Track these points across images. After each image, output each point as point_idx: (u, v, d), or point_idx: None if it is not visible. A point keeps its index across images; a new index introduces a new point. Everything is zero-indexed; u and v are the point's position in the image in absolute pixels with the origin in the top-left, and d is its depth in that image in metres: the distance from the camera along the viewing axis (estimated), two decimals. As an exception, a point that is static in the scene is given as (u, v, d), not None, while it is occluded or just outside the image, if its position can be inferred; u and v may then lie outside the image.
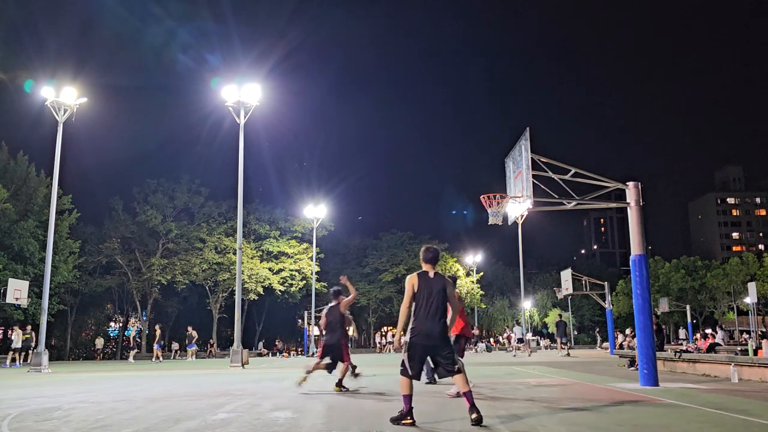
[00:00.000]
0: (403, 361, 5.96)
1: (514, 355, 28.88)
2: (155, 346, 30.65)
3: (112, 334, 52.54)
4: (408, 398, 5.92)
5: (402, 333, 6.07)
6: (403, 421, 5.92)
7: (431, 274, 6.09)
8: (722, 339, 23.32)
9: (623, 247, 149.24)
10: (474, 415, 5.75)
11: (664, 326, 25.19)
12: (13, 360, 25.36)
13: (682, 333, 48.46)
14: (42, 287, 22.69)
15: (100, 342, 40.16)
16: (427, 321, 5.91)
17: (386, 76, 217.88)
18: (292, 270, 45.82)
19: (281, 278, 45.18)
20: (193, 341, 31.88)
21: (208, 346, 41.41)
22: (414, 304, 5.98)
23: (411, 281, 6.04)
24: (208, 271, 43.82)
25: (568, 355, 26.80)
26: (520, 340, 32.59)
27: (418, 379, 6.14)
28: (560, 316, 34.86)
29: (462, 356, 9.01)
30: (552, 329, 44.38)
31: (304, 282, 45.67)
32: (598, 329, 51.62)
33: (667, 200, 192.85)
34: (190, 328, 32.64)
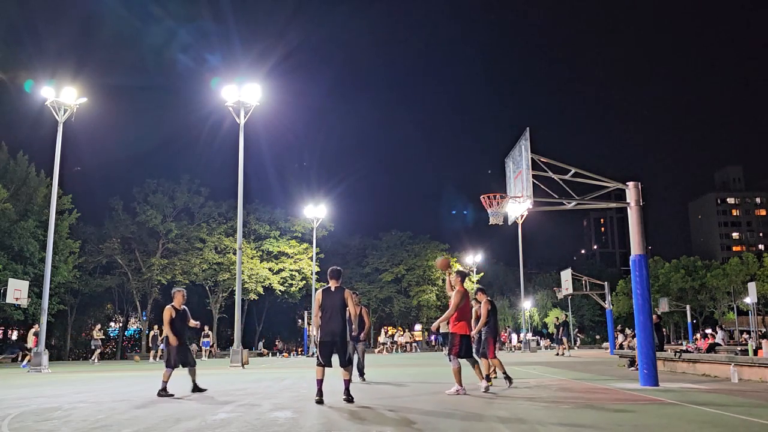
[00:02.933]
0: (316, 354, 8.12)
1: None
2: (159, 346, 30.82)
3: (112, 334, 52.52)
4: (319, 382, 7.86)
5: (316, 335, 8.03)
6: (316, 398, 7.80)
7: (333, 288, 8.01)
8: (722, 339, 23.29)
9: (623, 247, 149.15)
10: (344, 398, 7.82)
11: (664, 327, 25.11)
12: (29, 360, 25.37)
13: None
14: (42, 287, 22.67)
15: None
16: (329, 324, 7.90)
17: (386, 76, 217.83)
18: (292, 270, 45.82)
19: (281, 278, 45.19)
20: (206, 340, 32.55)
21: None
22: (321, 311, 7.95)
23: (317, 296, 8.13)
24: (208, 271, 43.82)
25: (559, 354, 26.83)
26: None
27: (330, 366, 7.86)
28: (566, 316, 34.99)
29: (460, 355, 9.04)
30: (552, 329, 44.32)
31: (304, 282, 45.66)
32: (577, 330, 51.57)
33: (667, 200, 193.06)
34: (206, 328, 33.32)
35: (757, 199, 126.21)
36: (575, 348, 26.09)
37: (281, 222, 48.65)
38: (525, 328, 44.79)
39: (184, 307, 9.84)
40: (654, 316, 14.10)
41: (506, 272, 67.66)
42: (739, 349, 15.91)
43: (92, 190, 65.03)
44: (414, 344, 46.31)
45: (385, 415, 6.80)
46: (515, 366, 18.22)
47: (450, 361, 9.19)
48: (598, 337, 48.56)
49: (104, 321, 50.80)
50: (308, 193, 49.93)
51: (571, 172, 11.28)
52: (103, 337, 30.98)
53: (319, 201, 42.13)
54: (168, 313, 9.58)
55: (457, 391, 8.94)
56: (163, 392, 9.24)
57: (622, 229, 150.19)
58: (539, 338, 47.18)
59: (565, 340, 27.51)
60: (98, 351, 29.14)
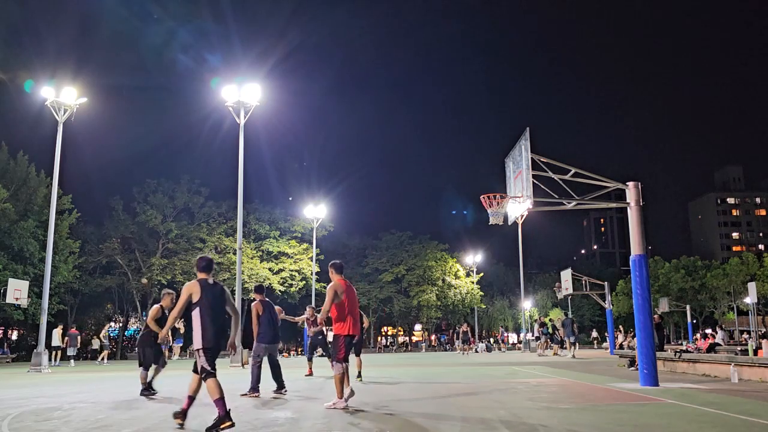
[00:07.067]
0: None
1: (462, 354, 30.92)
2: (174, 344, 31.06)
3: (112, 334, 52.53)
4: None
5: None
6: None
7: (211, 281, 6.12)
8: (722, 339, 23.26)
9: (623, 247, 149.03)
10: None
11: (665, 327, 24.75)
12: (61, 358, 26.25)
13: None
14: (42, 287, 22.68)
15: (96, 343, 40.13)
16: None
17: (386, 76, 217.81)
18: (291, 270, 45.82)
19: (281, 278, 45.18)
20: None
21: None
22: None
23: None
24: (209, 271, 43.77)
25: (556, 354, 26.65)
26: (465, 341, 33.56)
27: None
28: (566, 314, 34.73)
29: (339, 357, 7.44)
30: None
31: (304, 282, 45.66)
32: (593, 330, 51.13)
33: (667, 200, 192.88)
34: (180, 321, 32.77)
35: (757, 199, 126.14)
36: (572, 347, 25.68)
37: (281, 222, 48.66)
38: (525, 328, 44.79)
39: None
40: (655, 316, 14.08)
41: (506, 272, 67.65)
42: (739, 349, 15.90)
43: (92, 190, 65.19)
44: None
45: (385, 416, 6.80)
46: (516, 366, 18.22)
47: (332, 367, 7.55)
48: (588, 338, 48.36)
49: (104, 321, 50.84)
50: (308, 193, 50.11)
51: (571, 172, 11.28)
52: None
53: (319, 201, 42.16)
54: (155, 311, 9.65)
55: (334, 403, 7.39)
56: (147, 391, 9.30)
57: (622, 229, 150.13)
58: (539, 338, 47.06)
59: (568, 340, 27.12)
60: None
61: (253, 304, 9.87)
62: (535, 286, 67.09)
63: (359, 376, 12.16)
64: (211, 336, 5.80)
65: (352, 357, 10.69)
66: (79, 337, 29.80)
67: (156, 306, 9.82)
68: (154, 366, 9.62)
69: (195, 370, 5.91)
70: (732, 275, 58.49)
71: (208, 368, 5.73)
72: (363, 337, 10.62)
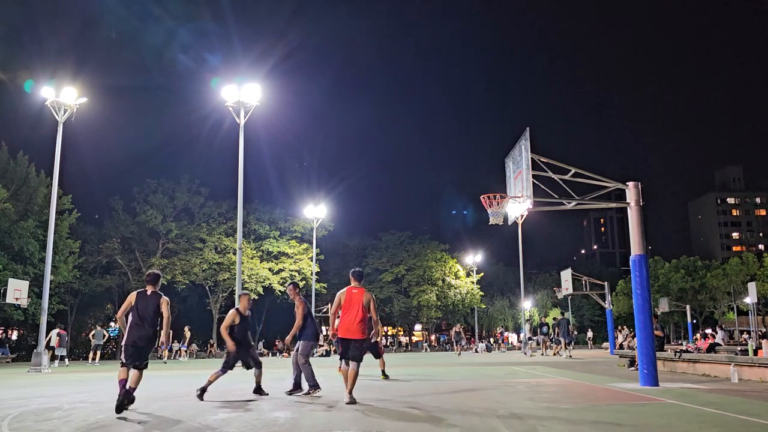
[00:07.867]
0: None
1: (459, 354, 31.22)
2: (182, 347, 31.01)
3: (112, 334, 52.55)
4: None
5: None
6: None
7: (149, 292, 7.60)
8: (722, 339, 23.25)
9: (623, 247, 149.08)
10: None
11: (663, 327, 24.59)
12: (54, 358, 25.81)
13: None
14: (42, 287, 22.69)
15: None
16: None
17: (386, 76, 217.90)
18: (291, 270, 45.81)
19: (281, 278, 45.18)
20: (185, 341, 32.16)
21: (208, 346, 41.40)
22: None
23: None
24: (208, 271, 43.82)
25: (556, 354, 26.60)
26: (458, 341, 33.69)
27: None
28: (562, 314, 34.61)
29: (341, 356, 8.18)
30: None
31: (304, 282, 45.66)
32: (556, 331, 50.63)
33: (667, 200, 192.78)
34: (186, 329, 32.58)
35: (757, 199, 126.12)
36: (569, 348, 25.55)
37: (281, 222, 48.67)
38: (525, 328, 44.74)
39: (249, 312, 9.44)
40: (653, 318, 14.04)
41: (506, 272, 67.66)
42: (739, 349, 15.90)
43: (92, 190, 65.32)
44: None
45: (385, 415, 6.81)
46: (516, 366, 18.23)
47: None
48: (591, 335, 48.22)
49: (104, 321, 50.86)
50: (308, 193, 50.17)
51: (571, 172, 11.28)
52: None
53: (319, 201, 42.15)
54: (230, 318, 9.09)
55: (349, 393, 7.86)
56: (201, 393, 8.91)
57: (622, 229, 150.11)
58: (538, 338, 46.98)
59: (563, 341, 27.05)
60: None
61: (299, 303, 9.62)
62: (535, 286, 67.08)
63: (383, 374, 12.81)
64: (131, 337, 7.35)
65: (370, 358, 10.57)
66: (67, 338, 29.67)
67: (232, 311, 9.21)
68: (254, 370, 9.44)
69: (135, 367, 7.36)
70: (732, 275, 58.50)
71: (121, 360, 7.40)
72: (370, 339, 10.01)
